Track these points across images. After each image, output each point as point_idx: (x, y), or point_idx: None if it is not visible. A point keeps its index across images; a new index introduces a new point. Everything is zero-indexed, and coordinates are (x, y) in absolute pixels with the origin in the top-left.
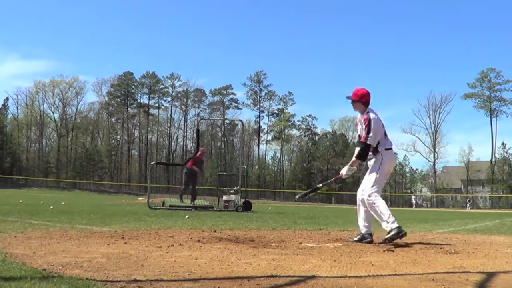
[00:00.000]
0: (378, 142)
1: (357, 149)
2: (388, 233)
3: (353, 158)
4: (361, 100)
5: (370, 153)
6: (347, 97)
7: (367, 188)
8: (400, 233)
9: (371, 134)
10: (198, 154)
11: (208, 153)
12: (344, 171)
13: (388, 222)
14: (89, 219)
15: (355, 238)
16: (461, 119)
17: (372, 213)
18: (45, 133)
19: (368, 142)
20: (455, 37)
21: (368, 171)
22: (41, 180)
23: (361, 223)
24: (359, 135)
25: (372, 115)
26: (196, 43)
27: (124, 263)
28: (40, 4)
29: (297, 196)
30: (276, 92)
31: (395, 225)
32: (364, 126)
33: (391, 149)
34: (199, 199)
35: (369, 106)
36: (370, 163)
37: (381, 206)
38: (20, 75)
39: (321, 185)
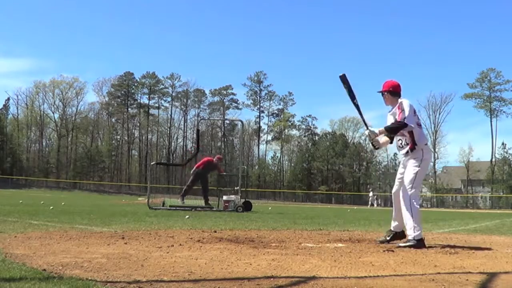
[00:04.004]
0: (415, 142)
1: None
2: (407, 241)
3: (382, 128)
4: (394, 91)
5: (407, 149)
6: (379, 92)
7: (408, 186)
8: (419, 247)
9: (406, 114)
10: (215, 160)
11: (207, 153)
12: (371, 128)
13: (415, 230)
14: (89, 219)
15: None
16: (461, 119)
17: (405, 211)
18: (45, 133)
19: (405, 122)
20: (455, 36)
21: (407, 169)
22: (41, 180)
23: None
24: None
25: (406, 100)
26: (196, 43)
27: (124, 263)
28: (40, 3)
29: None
30: (276, 92)
31: (420, 236)
32: (398, 111)
33: (427, 144)
34: (199, 199)
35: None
36: (408, 160)
37: (417, 209)
38: (14, 74)
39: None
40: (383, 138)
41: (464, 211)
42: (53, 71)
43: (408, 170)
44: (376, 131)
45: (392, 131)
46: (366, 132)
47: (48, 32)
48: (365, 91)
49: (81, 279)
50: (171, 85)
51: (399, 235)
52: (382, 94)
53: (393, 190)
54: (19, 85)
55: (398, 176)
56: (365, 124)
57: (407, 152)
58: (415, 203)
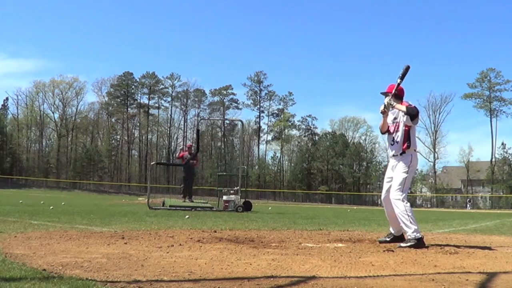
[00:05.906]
0: (409, 142)
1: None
2: (408, 241)
3: (402, 106)
4: (398, 94)
5: (399, 151)
6: (382, 93)
7: (396, 189)
8: (419, 247)
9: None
10: (186, 150)
11: (207, 152)
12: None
13: (414, 230)
14: (89, 219)
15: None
16: (461, 119)
17: (401, 215)
18: (45, 133)
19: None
20: (455, 37)
21: (396, 173)
22: (41, 180)
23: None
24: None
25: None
26: (196, 43)
27: (124, 263)
28: (41, 2)
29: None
30: (276, 92)
31: (419, 235)
32: (405, 104)
33: (416, 150)
34: (199, 199)
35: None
36: (396, 163)
37: (409, 210)
38: (15, 74)
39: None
40: (388, 119)
41: (464, 211)
42: (56, 72)
43: (397, 174)
44: (393, 103)
45: (409, 110)
46: (387, 99)
47: (50, 33)
48: (365, 91)
49: (81, 279)
50: (171, 85)
51: (400, 238)
52: (386, 96)
53: (383, 196)
54: (25, 85)
55: (387, 180)
56: (392, 96)
57: (397, 155)
58: (408, 204)
